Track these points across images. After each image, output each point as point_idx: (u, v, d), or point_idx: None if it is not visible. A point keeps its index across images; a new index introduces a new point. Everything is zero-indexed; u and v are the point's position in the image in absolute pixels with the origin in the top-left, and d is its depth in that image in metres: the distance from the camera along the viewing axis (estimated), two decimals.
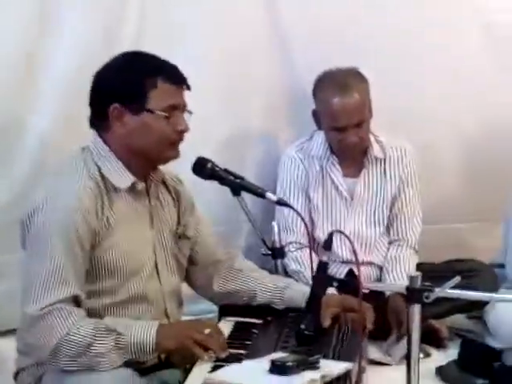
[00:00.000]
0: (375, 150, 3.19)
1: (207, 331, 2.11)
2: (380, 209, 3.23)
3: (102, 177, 2.20)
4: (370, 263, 3.22)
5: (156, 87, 2.18)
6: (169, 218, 2.37)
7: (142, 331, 2.07)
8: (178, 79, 2.24)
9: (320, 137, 3.21)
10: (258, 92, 3.33)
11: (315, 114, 3.19)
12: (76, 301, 2.10)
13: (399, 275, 3.11)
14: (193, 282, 2.51)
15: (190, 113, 2.29)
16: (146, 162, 2.26)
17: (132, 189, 2.24)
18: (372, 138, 3.20)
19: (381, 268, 3.22)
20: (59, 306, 2.05)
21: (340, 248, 3.12)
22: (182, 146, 2.32)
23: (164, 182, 2.38)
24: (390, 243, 3.25)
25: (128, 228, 2.22)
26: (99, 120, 2.24)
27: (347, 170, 3.21)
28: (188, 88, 2.27)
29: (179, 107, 2.24)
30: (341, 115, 3.05)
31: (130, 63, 2.24)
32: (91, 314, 2.14)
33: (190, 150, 2.36)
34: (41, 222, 2.11)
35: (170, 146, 2.24)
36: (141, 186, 2.26)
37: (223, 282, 2.47)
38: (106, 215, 2.17)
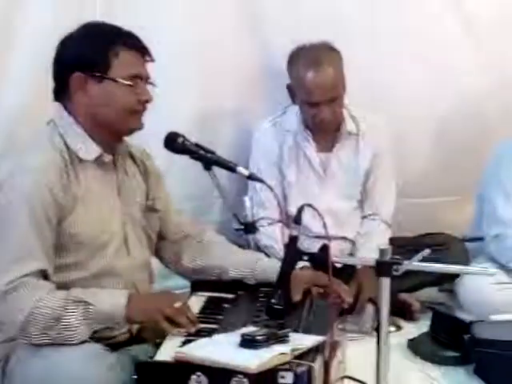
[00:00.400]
0: (348, 125, 3.19)
1: (177, 305, 2.11)
2: (353, 183, 3.24)
3: (68, 149, 2.19)
4: (343, 238, 3.23)
5: (118, 56, 2.19)
6: (137, 191, 2.36)
7: (111, 300, 2.07)
8: (140, 49, 2.24)
9: (294, 111, 3.20)
10: (231, 68, 3.31)
11: (290, 88, 3.18)
12: (44, 275, 2.09)
13: (371, 249, 3.11)
14: (163, 257, 2.51)
15: (154, 85, 2.29)
16: (110, 132, 2.25)
17: (99, 161, 2.24)
18: (346, 113, 3.19)
19: (353, 242, 3.23)
20: (26, 280, 2.04)
21: (313, 223, 3.12)
22: (154, 121, 2.32)
23: (131, 155, 2.38)
24: (363, 218, 3.27)
25: (95, 201, 2.21)
26: (62, 91, 2.23)
27: (321, 145, 3.22)
28: (151, 60, 2.28)
29: (142, 77, 2.24)
30: (315, 91, 3.05)
31: (92, 33, 2.24)
32: (60, 288, 2.13)
33: (162, 125, 2.36)
34: (6, 197, 2.10)
35: (133, 116, 2.24)
36: (108, 158, 2.25)
37: (193, 257, 2.47)
38: (72, 188, 2.16)
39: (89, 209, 2.19)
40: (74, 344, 2.03)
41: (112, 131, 2.25)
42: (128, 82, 2.19)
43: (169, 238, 2.48)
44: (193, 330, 2.08)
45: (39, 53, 2.95)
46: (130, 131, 2.29)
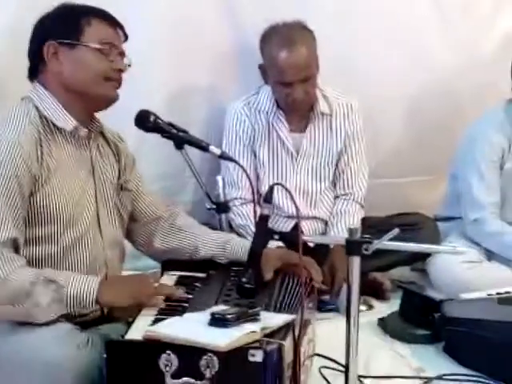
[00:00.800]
0: (321, 105, 3.19)
1: (156, 285, 2.13)
2: (325, 164, 3.24)
3: (43, 120, 2.19)
4: (315, 218, 3.23)
5: (90, 24, 2.22)
6: (110, 170, 2.36)
7: (83, 285, 2.06)
8: (114, 22, 2.27)
9: (267, 91, 3.20)
10: (205, 46, 3.29)
11: (262, 68, 3.17)
12: (15, 245, 2.09)
13: (343, 229, 3.13)
14: (134, 239, 2.51)
15: (129, 65, 2.29)
16: (85, 102, 2.24)
17: (74, 134, 2.24)
18: (319, 93, 3.19)
19: (326, 222, 3.24)
20: None
21: (285, 203, 3.13)
22: (126, 99, 2.30)
23: (103, 135, 2.38)
24: (336, 198, 3.28)
25: (68, 174, 2.21)
26: (37, 65, 2.24)
27: (293, 125, 3.21)
28: (125, 36, 2.30)
29: (116, 47, 2.25)
30: (288, 70, 3.03)
31: (65, 7, 2.27)
32: (30, 262, 2.14)
33: (134, 103, 2.35)
34: None
35: (107, 83, 2.24)
36: (83, 132, 2.25)
37: (164, 239, 2.48)
38: (45, 160, 2.16)
39: (62, 182, 2.19)
40: (40, 323, 2.03)
41: (87, 100, 2.24)
42: (99, 46, 2.20)
43: (140, 220, 2.48)
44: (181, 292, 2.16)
45: (8, 30, 2.93)
46: (105, 100, 2.27)
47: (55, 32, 2.21)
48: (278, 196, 3.08)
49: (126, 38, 2.31)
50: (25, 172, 2.10)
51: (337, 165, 3.26)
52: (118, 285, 2.16)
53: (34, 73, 2.26)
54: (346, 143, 3.24)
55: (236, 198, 3.09)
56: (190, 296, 2.18)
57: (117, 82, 2.26)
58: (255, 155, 3.21)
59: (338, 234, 3.13)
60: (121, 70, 2.26)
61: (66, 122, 2.21)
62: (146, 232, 2.48)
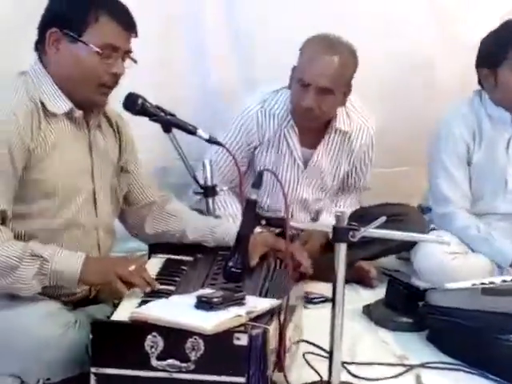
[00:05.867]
0: (339, 121, 3.09)
1: (132, 268, 2.12)
2: (331, 178, 3.22)
3: (41, 101, 2.17)
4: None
5: (98, 21, 2.15)
6: (110, 151, 2.36)
7: (68, 261, 2.07)
8: (124, 21, 2.19)
9: (285, 95, 3.07)
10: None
11: (293, 70, 3.02)
12: (3, 217, 2.09)
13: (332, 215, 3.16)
14: (126, 222, 2.52)
15: (134, 61, 2.24)
16: (76, 94, 2.21)
17: (70, 116, 2.22)
18: (341, 110, 3.08)
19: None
20: None
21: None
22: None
23: (106, 116, 2.36)
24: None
25: (65, 152, 2.20)
26: (40, 43, 2.21)
27: (305, 140, 3.12)
28: (135, 35, 2.23)
29: (119, 50, 2.19)
30: (311, 69, 2.90)
31: None
32: (23, 237, 2.14)
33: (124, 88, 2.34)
34: None
35: (98, 88, 2.19)
36: (78, 113, 2.23)
37: (155, 223, 2.49)
38: (42, 135, 2.15)
39: (59, 159, 2.18)
40: (23, 296, 2.04)
41: (76, 96, 2.21)
42: (98, 50, 2.15)
43: (136, 203, 2.48)
44: (148, 289, 2.10)
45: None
46: (91, 104, 2.24)
47: (62, 20, 2.15)
48: (274, 199, 3.10)
49: (136, 35, 2.23)
50: (18, 143, 2.09)
51: (342, 183, 3.26)
52: (97, 264, 2.15)
53: (38, 47, 2.22)
54: (356, 165, 3.22)
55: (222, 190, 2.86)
56: (172, 288, 2.17)
57: (109, 87, 2.21)
58: (254, 158, 3.12)
59: (328, 217, 3.15)
60: (117, 74, 2.20)
61: (60, 105, 2.19)
62: (139, 215, 2.49)
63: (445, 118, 3.20)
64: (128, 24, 2.20)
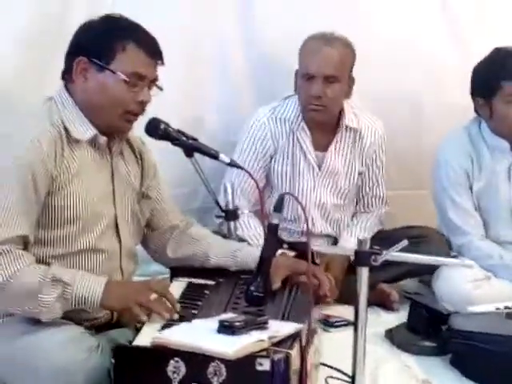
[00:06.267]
0: (348, 118, 3.17)
1: (153, 296, 2.11)
2: (347, 180, 3.24)
3: (65, 127, 2.20)
4: (328, 236, 3.26)
5: (125, 50, 2.18)
6: (132, 177, 2.38)
7: (90, 285, 2.07)
8: (151, 50, 2.22)
9: (294, 101, 3.16)
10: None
11: (296, 73, 3.15)
12: (24, 242, 2.10)
13: (357, 233, 3.21)
14: (148, 247, 2.53)
15: (161, 89, 2.28)
16: (101, 122, 2.23)
17: (93, 142, 2.24)
18: (349, 109, 3.17)
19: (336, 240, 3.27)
20: (8, 248, 2.04)
21: (301, 215, 3.12)
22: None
23: (128, 141, 2.39)
24: (355, 213, 3.32)
25: (87, 179, 2.22)
26: (67, 71, 2.24)
27: (317, 143, 3.18)
28: (162, 63, 2.26)
29: (145, 78, 2.22)
30: (313, 60, 3.04)
31: (107, 23, 2.24)
32: (44, 262, 2.14)
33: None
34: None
35: (124, 115, 2.22)
36: (102, 140, 2.25)
37: (177, 248, 2.49)
38: (65, 162, 2.17)
39: (81, 185, 2.20)
40: (45, 321, 2.04)
41: (102, 123, 2.23)
42: (125, 78, 2.18)
43: (157, 228, 2.50)
44: (168, 317, 2.08)
45: (25, 30, 2.96)
46: (116, 131, 2.27)
47: (90, 48, 2.19)
48: (293, 208, 3.11)
49: (162, 63, 2.26)
50: (41, 170, 2.11)
51: (357, 184, 3.27)
52: (119, 289, 2.16)
53: (65, 75, 2.26)
54: (368, 165, 3.26)
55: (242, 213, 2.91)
56: (194, 312, 2.17)
57: (136, 115, 2.25)
58: (271, 167, 3.18)
59: (350, 238, 3.17)
60: (144, 102, 2.23)
61: (85, 131, 2.21)
62: (161, 240, 2.50)
63: (442, 145, 3.18)
64: (154, 53, 2.23)
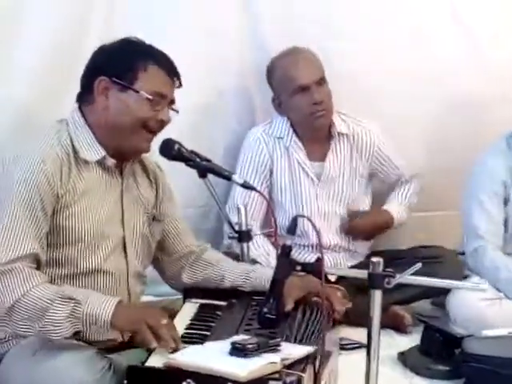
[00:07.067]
0: (338, 125, 3.23)
1: (164, 321, 2.09)
2: (348, 186, 3.27)
3: (73, 148, 2.21)
4: (337, 246, 3.27)
5: (146, 70, 2.21)
6: (144, 200, 2.38)
7: (100, 304, 2.06)
8: (171, 71, 2.25)
9: (281, 119, 3.23)
10: (228, 73, 3.33)
11: (274, 100, 3.21)
12: (37, 260, 2.11)
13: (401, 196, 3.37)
14: (164, 273, 2.52)
15: (177, 111, 2.30)
16: (117, 144, 2.25)
17: (102, 164, 2.26)
18: (336, 115, 3.23)
19: (348, 251, 3.27)
20: (20, 266, 2.05)
21: (310, 229, 3.12)
22: None
23: (143, 165, 2.40)
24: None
25: (95, 199, 2.23)
26: (86, 93, 2.25)
27: (313, 154, 3.24)
28: (180, 85, 2.29)
29: (166, 98, 2.24)
30: (301, 71, 3.11)
31: (127, 45, 2.26)
32: (52, 282, 2.14)
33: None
34: (3, 181, 2.13)
35: (144, 134, 2.24)
36: (110, 162, 2.26)
37: (193, 273, 2.49)
38: (72, 181, 2.18)
39: (88, 206, 2.21)
40: (55, 340, 2.04)
41: (119, 144, 2.25)
42: (149, 96, 2.20)
43: (172, 254, 2.49)
44: (173, 346, 2.03)
45: (43, 52, 2.96)
46: (134, 151, 2.29)
47: (111, 69, 2.21)
48: (303, 223, 3.10)
49: (180, 85, 2.29)
50: (47, 189, 2.12)
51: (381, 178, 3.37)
52: (130, 310, 2.15)
53: (82, 97, 2.28)
54: (375, 162, 3.30)
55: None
56: (206, 333, 2.16)
57: (154, 133, 2.26)
58: (271, 182, 3.22)
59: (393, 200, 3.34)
60: (164, 121, 2.25)
61: (93, 152, 2.23)
62: (177, 266, 2.50)
63: (481, 157, 3.18)
64: (174, 74, 2.26)
